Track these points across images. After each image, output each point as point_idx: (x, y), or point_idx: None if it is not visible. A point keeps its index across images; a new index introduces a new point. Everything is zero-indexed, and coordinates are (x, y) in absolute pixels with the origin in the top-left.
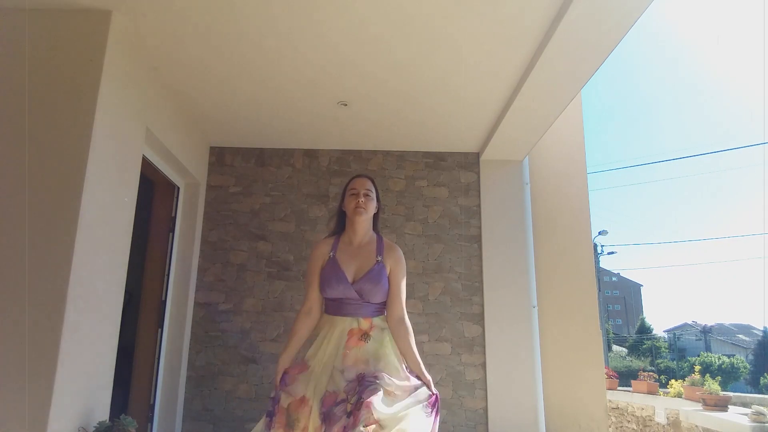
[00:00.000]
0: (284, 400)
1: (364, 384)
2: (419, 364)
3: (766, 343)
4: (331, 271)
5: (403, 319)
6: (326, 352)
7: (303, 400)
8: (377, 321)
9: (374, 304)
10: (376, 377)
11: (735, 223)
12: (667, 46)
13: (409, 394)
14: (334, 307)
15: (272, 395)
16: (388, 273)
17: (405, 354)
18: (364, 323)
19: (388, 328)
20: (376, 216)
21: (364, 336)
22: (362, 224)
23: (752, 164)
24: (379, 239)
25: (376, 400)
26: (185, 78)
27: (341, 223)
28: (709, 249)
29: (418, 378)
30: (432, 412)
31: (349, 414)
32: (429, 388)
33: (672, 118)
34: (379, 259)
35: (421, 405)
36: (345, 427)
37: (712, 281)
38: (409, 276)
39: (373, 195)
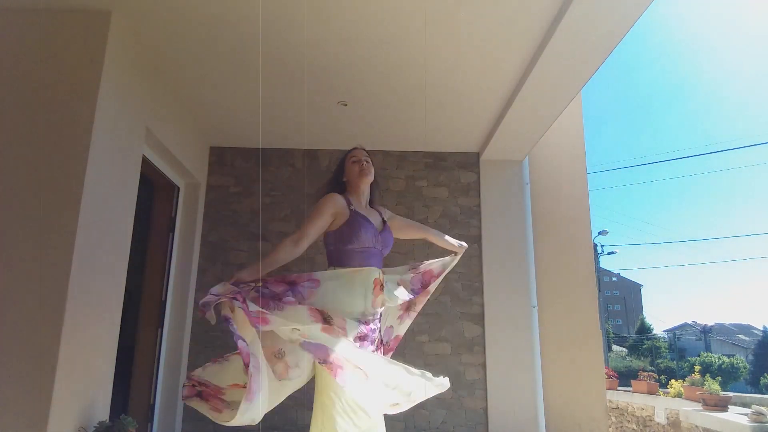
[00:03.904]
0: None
1: (381, 323)
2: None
3: (766, 343)
4: (363, 220)
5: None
6: (354, 289)
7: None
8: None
9: (383, 256)
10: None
11: (735, 222)
12: (668, 45)
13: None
14: (360, 258)
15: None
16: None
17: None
18: (382, 275)
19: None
20: (376, 188)
21: (381, 287)
22: (366, 187)
23: (753, 164)
24: (383, 208)
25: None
26: (185, 78)
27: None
28: (709, 249)
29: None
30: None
31: (378, 346)
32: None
33: (672, 118)
34: (383, 215)
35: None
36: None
37: (712, 281)
38: None
39: (371, 163)
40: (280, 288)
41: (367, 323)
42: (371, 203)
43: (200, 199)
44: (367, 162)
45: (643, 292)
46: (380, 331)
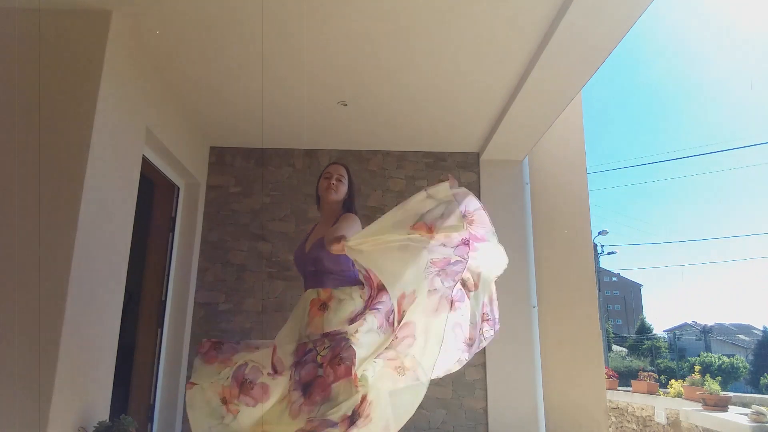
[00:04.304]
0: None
1: (336, 340)
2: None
3: (766, 343)
4: (297, 248)
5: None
6: (294, 318)
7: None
8: (337, 292)
9: (335, 273)
10: (340, 332)
11: (735, 222)
12: (668, 45)
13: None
14: (304, 283)
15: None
16: None
17: None
18: (323, 293)
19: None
20: (350, 203)
21: (323, 306)
22: (331, 205)
23: (753, 164)
24: (342, 216)
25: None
26: (185, 78)
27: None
28: (709, 249)
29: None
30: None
31: (320, 365)
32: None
33: (672, 118)
34: (332, 228)
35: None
36: (319, 377)
37: (712, 281)
38: None
39: (345, 181)
40: None
41: (301, 347)
42: (348, 212)
43: (200, 199)
44: (337, 181)
45: (643, 292)
46: (339, 346)
